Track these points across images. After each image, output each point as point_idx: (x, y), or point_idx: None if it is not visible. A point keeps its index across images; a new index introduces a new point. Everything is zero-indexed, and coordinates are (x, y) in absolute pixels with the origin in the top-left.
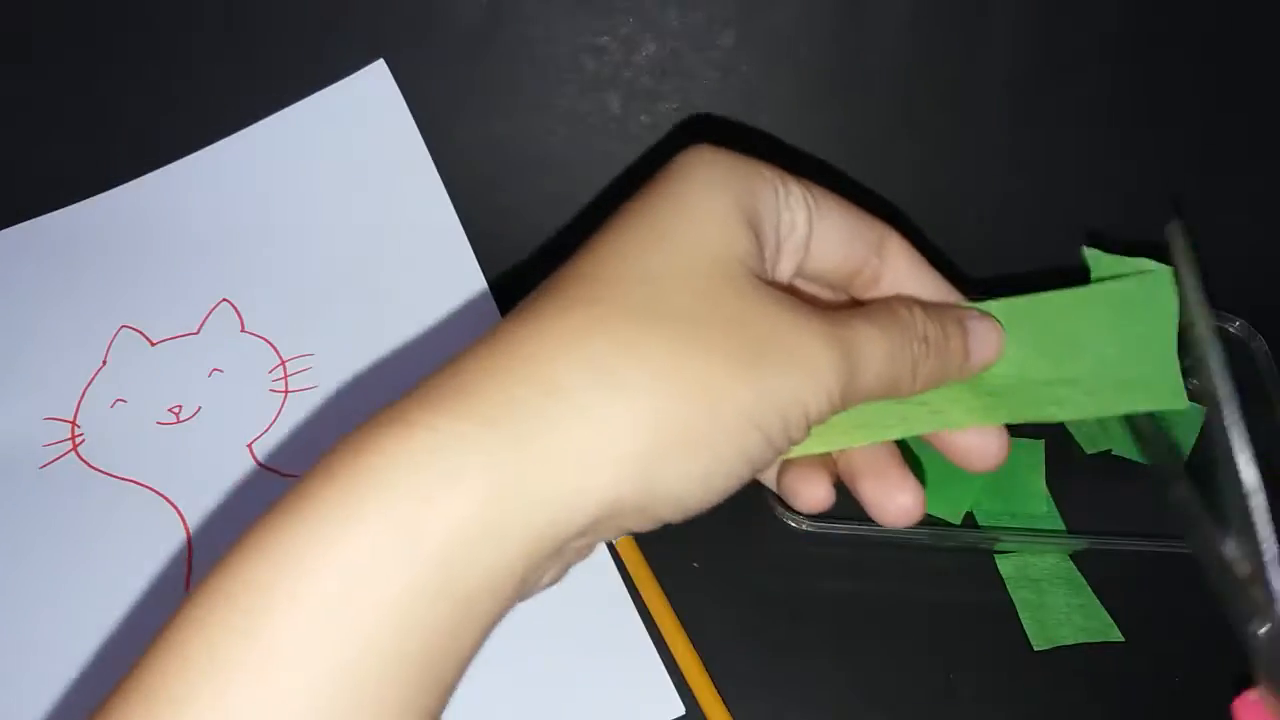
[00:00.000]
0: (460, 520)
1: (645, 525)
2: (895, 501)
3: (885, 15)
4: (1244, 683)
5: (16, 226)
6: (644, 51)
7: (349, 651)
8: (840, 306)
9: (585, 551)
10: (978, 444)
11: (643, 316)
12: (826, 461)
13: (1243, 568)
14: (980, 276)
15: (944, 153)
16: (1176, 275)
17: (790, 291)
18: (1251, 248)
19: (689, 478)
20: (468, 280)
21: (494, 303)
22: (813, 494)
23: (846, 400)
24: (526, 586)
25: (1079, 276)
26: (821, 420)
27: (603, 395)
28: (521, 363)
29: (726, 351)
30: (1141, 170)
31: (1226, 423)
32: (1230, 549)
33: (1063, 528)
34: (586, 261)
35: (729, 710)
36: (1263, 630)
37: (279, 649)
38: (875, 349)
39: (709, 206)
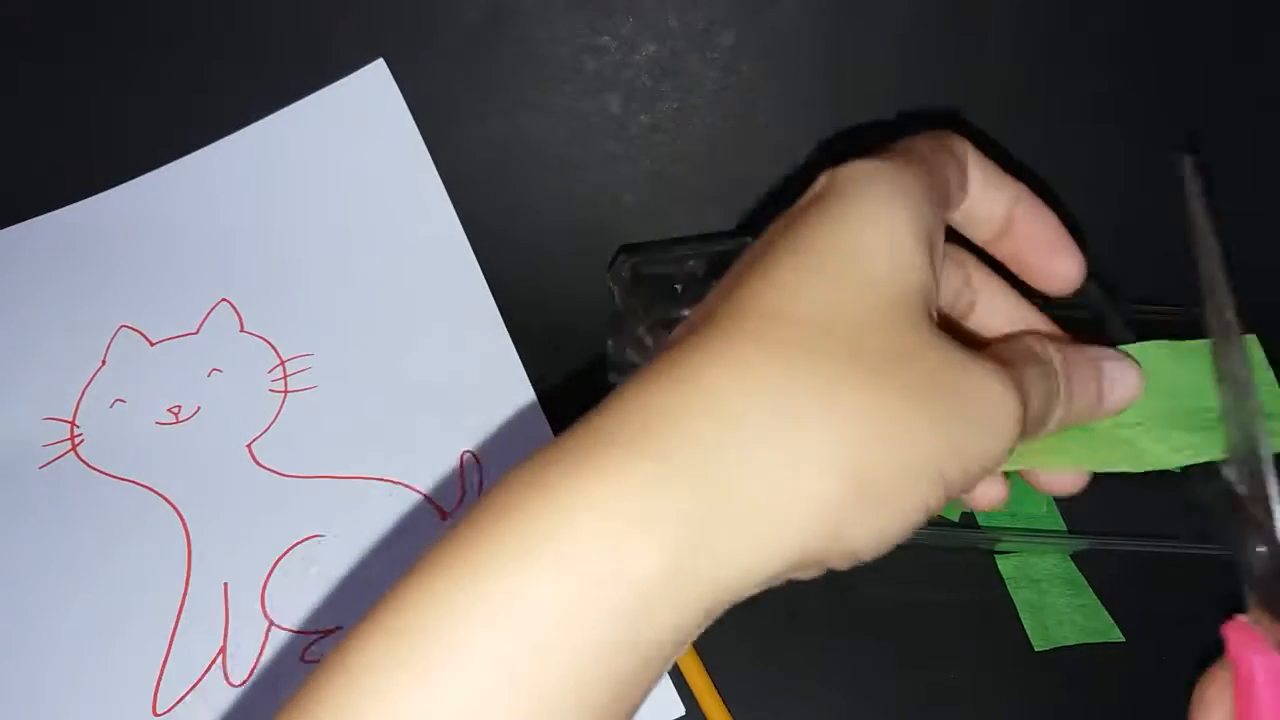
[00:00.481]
0: (651, 572)
1: (813, 575)
2: (1058, 266)
3: (884, 15)
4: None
5: (16, 226)
6: (644, 51)
7: (527, 704)
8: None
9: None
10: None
11: (827, 352)
12: None
13: (1242, 488)
14: None
15: None
16: (1187, 211)
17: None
18: (1250, 246)
19: (873, 529)
20: (468, 280)
21: (494, 302)
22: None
23: (1020, 440)
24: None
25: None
26: (994, 471)
27: (788, 435)
28: (701, 395)
29: (921, 397)
30: (1141, 170)
31: (1231, 343)
32: (1230, 470)
33: (1063, 528)
34: (756, 286)
35: (729, 710)
36: (1260, 550)
37: (451, 702)
38: (1038, 393)
39: (884, 233)
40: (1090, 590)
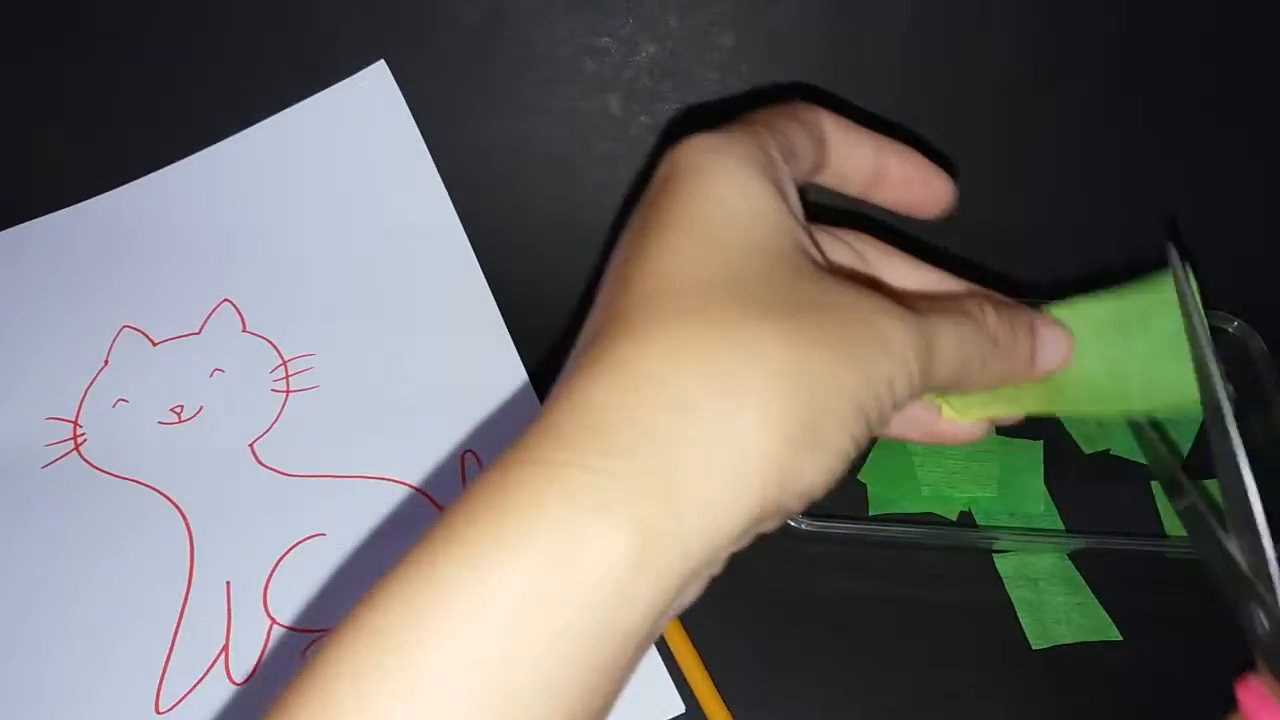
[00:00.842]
0: (617, 557)
1: (776, 524)
2: (931, 189)
3: (884, 16)
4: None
5: (17, 227)
6: (644, 52)
7: (505, 691)
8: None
9: (724, 562)
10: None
11: (740, 316)
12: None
13: (1244, 562)
14: (979, 277)
15: (943, 153)
16: (1178, 293)
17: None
18: (1250, 248)
19: (817, 470)
20: (468, 280)
21: (494, 302)
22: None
23: (923, 387)
24: (674, 608)
25: (1077, 274)
26: (903, 405)
27: (732, 405)
28: (646, 384)
29: (826, 339)
30: (1141, 171)
31: (1225, 424)
32: (1232, 544)
33: (1061, 527)
34: (644, 275)
35: (729, 710)
36: (1266, 623)
37: (431, 690)
38: (948, 341)
39: (742, 196)
40: (1088, 589)
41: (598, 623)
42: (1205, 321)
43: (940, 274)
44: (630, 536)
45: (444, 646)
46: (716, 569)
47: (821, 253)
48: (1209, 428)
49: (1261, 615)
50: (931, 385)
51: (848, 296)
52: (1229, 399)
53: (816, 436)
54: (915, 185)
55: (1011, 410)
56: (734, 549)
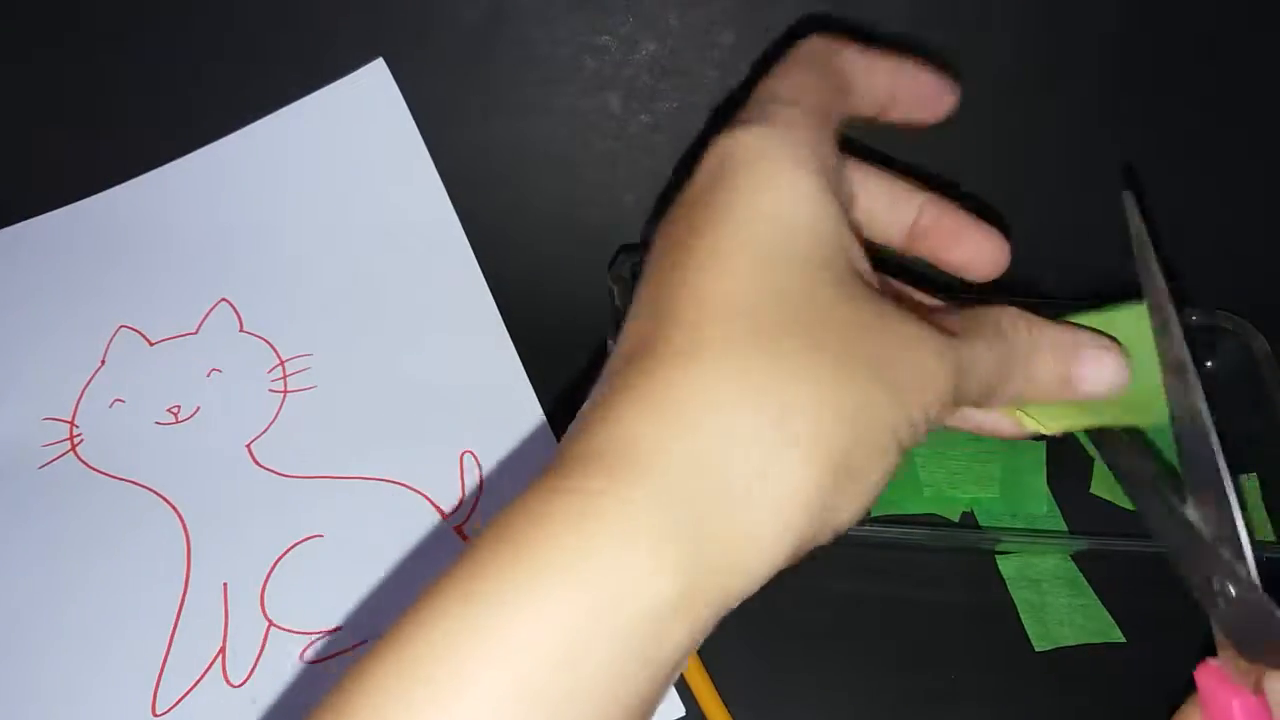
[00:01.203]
0: (660, 600)
1: (802, 556)
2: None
3: (884, 16)
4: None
5: (15, 226)
6: (644, 51)
7: None
8: (935, 308)
9: None
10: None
11: (792, 345)
12: None
13: (1207, 529)
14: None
15: (943, 153)
16: (1134, 244)
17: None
18: (1251, 247)
19: (852, 504)
20: (467, 280)
21: (493, 302)
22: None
23: (953, 409)
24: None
25: (1078, 274)
26: (932, 429)
27: (779, 438)
28: (692, 413)
29: (871, 371)
30: (1141, 170)
31: (1189, 385)
32: (1192, 513)
33: (1064, 528)
34: (691, 294)
35: (729, 710)
36: (1232, 592)
37: None
38: (982, 364)
39: (799, 202)
40: (1091, 590)
41: (631, 663)
42: (1157, 262)
43: (909, 187)
44: (674, 579)
45: (476, 682)
46: (748, 595)
47: (867, 261)
48: (1167, 381)
49: (1227, 585)
50: (962, 404)
51: (892, 321)
52: (1189, 351)
53: (855, 471)
54: (928, 101)
55: (1094, 422)
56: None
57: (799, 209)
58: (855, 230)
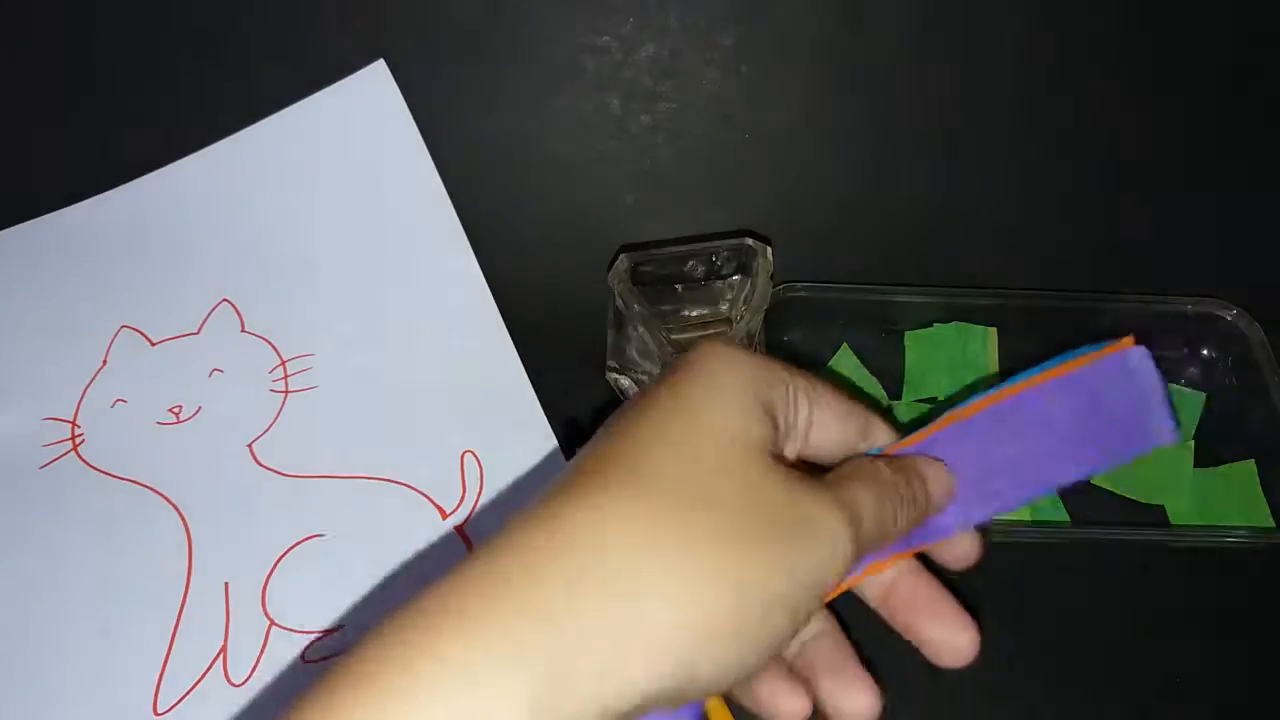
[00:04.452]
0: (511, 708)
1: (677, 705)
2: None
3: (884, 16)
4: (1246, 687)
5: (17, 227)
6: (644, 51)
7: None
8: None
9: None
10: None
11: (681, 503)
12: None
13: None
14: (978, 274)
15: (943, 153)
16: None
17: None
18: (1247, 239)
19: (726, 665)
20: (467, 280)
21: (494, 303)
22: (791, 706)
23: (856, 560)
24: None
25: (1078, 278)
26: (836, 589)
27: (644, 585)
28: (562, 548)
29: (760, 538)
30: (1142, 168)
31: None
32: None
33: (1066, 518)
34: (619, 443)
35: (730, 712)
36: None
37: None
38: (870, 508)
39: (732, 398)
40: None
41: None
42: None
43: (859, 409)
44: (518, 697)
45: None
46: None
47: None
48: None
49: None
50: (861, 553)
51: (791, 493)
52: None
53: (732, 633)
54: (926, 615)
55: None
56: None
57: (718, 414)
58: (785, 428)
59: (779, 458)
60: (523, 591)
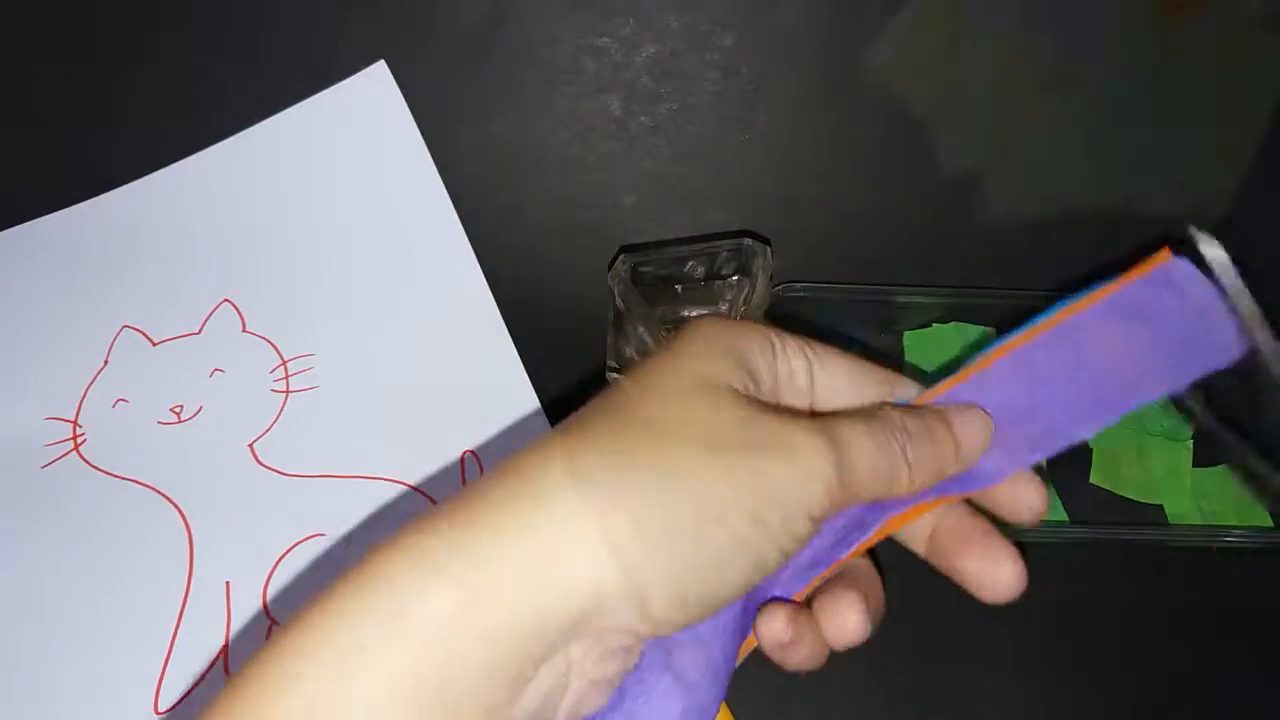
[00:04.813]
0: (441, 611)
1: (650, 624)
2: (1000, 572)
3: (884, 16)
4: (1245, 687)
5: (18, 227)
6: (644, 53)
7: None
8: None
9: (595, 665)
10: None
11: (650, 430)
12: (858, 584)
13: None
14: (978, 274)
15: (944, 153)
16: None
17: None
18: (1249, 238)
19: (675, 566)
20: (468, 280)
21: (494, 303)
22: (843, 622)
23: (847, 493)
24: (528, 696)
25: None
26: (825, 516)
27: (578, 489)
28: (526, 472)
29: (723, 451)
30: (1143, 168)
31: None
32: None
33: (1065, 518)
34: (600, 401)
35: (729, 711)
36: None
37: None
38: (861, 440)
39: (701, 345)
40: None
41: (425, 674)
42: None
43: (868, 367)
44: (450, 597)
45: (292, 690)
46: (585, 677)
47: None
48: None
49: None
50: (862, 487)
51: (758, 419)
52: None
53: (676, 531)
54: (973, 554)
55: None
56: (592, 643)
57: (716, 374)
58: (757, 378)
59: (758, 401)
60: (464, 514)
